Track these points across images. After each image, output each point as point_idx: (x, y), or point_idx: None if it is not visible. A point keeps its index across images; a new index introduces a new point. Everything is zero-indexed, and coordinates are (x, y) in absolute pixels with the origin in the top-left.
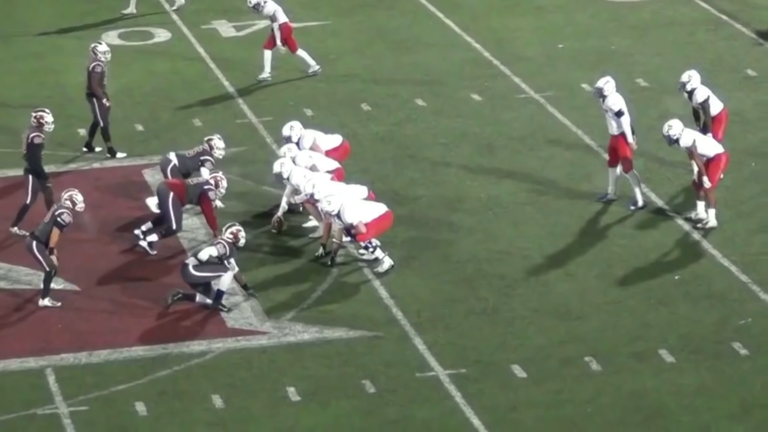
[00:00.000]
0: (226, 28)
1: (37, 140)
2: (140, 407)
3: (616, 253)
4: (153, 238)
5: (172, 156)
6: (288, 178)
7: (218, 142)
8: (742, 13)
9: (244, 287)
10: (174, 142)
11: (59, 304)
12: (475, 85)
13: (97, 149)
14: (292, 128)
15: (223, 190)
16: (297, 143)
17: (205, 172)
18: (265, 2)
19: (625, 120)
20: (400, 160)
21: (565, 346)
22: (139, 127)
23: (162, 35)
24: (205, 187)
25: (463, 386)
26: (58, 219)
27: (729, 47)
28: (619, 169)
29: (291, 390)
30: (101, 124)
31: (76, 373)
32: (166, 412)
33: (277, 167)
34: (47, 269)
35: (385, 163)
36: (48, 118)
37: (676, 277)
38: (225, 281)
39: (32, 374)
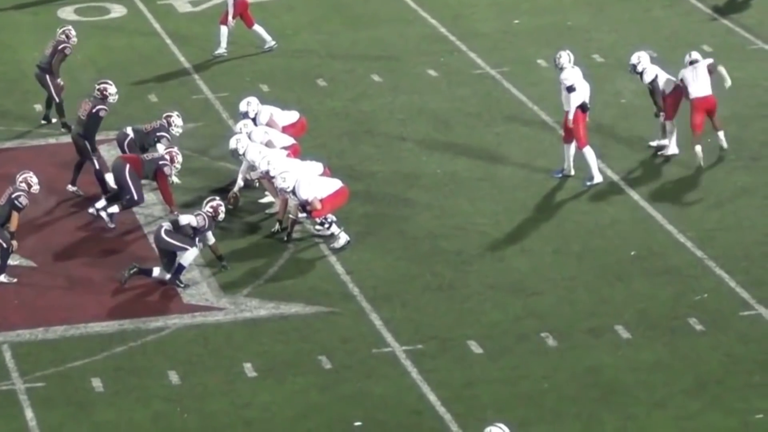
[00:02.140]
0: (182, 4)
1: (102, 113)
2: (97, 383)
3: (573, 229)
4: (114, 209)
5: (129, 130)
6: (243, 154)
7: (176, 120)
8: None
9: (219, 258)
10: (130, 118)
11: (15, 280)
12: (431, 61)
13: (53, 120)
14: (249, 104)
15: (178, 166)
16: (254, 119)
17: (160, 148)
18: None
19: (574, 97)
20: (357, 135)
21: (522, 321)
22: None
23: (118, 10)
24: (161, 162)
25: (420, 362)
26: (15, 202)
27: (685, 23)
28: (573, 145)
29: (247, 366)
30: (57, 100)
31: (32, 349)
32: (123, 388)
33: (233, 143)
34: (4, 246)
35: (342, 138)
36: (111, 89)
37: (632, 253)
38: (188, 256)
39: None
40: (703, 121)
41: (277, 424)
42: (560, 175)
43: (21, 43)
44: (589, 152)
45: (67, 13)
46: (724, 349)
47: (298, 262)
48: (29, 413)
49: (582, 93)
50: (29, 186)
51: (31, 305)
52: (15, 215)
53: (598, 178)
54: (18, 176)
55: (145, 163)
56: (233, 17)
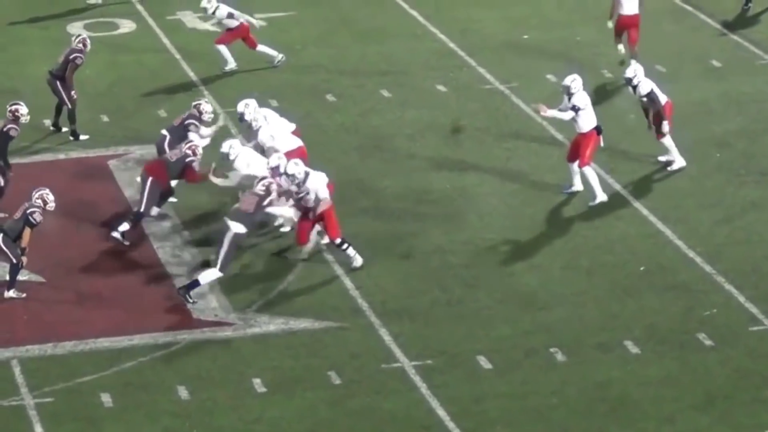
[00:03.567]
0: (190, 19)
1: (13, 132)
2: (106, 398)
3: (581, 244)
4: (124, 227)
5: (165, 132)
6: (233, 161)
7: (206, 106)
8: (707, 3)
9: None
10: (138, 132)
11: (24, 295)
12: (440, 76)
13: (63, 129)
14: (247, 105)
15: (200, 157)
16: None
17: (194, 137)
18: (216, 7)
19: (585, 117)
20: (366, 150)
21: (531, 336)
22: (105, 118)
23: (127, 26)
24: (187, 160)
25: (429, 377)
26: (30, 218)
27: (694, 38)
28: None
29: (256, 381)
30: (69, 106)
31: (41, 364)
32: (132, 404)
33: (225, 147)
34: (14, 261)
35: (351, 153)
36: (23, 110)
37: (641, 268)
38: (209, 275)
39: None
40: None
41: None
42: (569, 191)
43: (30, 58)
44: (590, 172)
45: (76, 28)
46: (733, 364)
47: (307, 278)
48: (38, 429)
49: (593, 116)
50: (45, 203)
51: (40, 320)
52: (28, 231)
53: (601, 197)
54: (34, 193)
55: (170, 165)
56: (230, 41)
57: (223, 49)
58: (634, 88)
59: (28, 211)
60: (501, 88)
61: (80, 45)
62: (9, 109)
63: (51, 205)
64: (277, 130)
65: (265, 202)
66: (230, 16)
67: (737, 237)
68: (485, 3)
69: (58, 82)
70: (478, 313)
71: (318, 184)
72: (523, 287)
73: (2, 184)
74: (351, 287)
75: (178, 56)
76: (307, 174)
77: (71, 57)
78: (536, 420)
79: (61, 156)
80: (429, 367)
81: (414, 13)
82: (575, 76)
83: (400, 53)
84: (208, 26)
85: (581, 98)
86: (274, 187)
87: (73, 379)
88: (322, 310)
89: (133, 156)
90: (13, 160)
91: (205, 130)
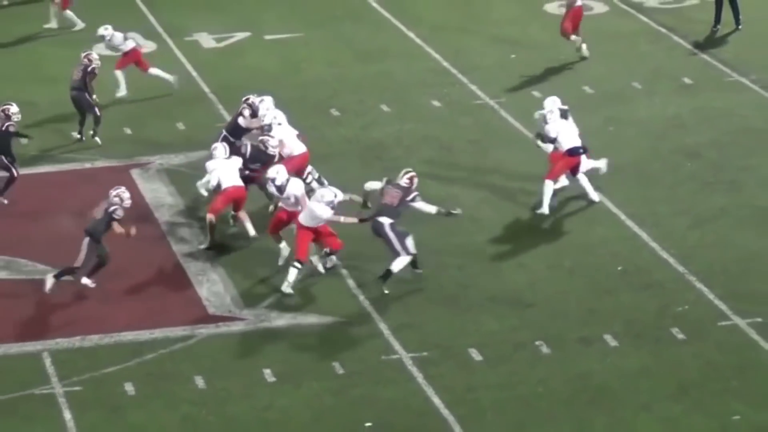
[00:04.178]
0: (206, 40)
1: (12, 128)
2: (129, 387)
3: (565, 247)
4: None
5: (245, 140)
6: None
7: (254, 100)
8: (680, 26)
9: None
10: (157, 144)
11: (94, 285)
12: (435, 92)
13: (91, 133)
14: (262, 101)
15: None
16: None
17: (241, 120)
18: (111, 35)
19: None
20: (367, 160)
21: (518, 331)
22: (127, 131)
23: (149, 46)
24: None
25: (425, 368)
26: (113, 215)
27: (668, 57)
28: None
29: (267, 372)
30: (98, 114)
31: (70, 356)
32: (153, 392)
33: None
34: (99, 262)
35: (353, 163)
36: (13, 109)
37: (619, 268)
38: (399, 263)
39: (30, 357)
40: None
41: (294, 425)
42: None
43: (62, 76)
44: (549, 186)
45: (101, 48)
46: (704, 357)
47: (314, 277)
48: (67, 415)
49: (569, 140)
50: (122, 200)
51: (69, 316)
52: (116, 224)
53: (545, 209)
54: (112, 192)
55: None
56: (123, 66)
57: (119, 74)
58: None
59: (110, 210)
60: (491, 104)
61: (86, 61)
62: (1, 109)
63: (128, 203)
64: (286, 133)
65: (410, 197)
66: (125, 39)
67: (707, 240)
68: (476, 26)
69: (84, 95)
70: (470, 309)
71: (298, 190)
72: (511, 286)
73: (16, 175)
74: (353, 286)
75: (194, 73)
76: (288, 180)
77: (88, 70)
78: (523, 408)
79: (87, 165)
80: (425, 359)
81: (411, 34)
82: (551, 107)
83: (399, 71)
84: (221, 46)
85: (554, 127)
86: (416, 180)
87: (99, 369)
88: (327, 307)
89: (153, 165)
90: (42, 169)
91: (253, 122)
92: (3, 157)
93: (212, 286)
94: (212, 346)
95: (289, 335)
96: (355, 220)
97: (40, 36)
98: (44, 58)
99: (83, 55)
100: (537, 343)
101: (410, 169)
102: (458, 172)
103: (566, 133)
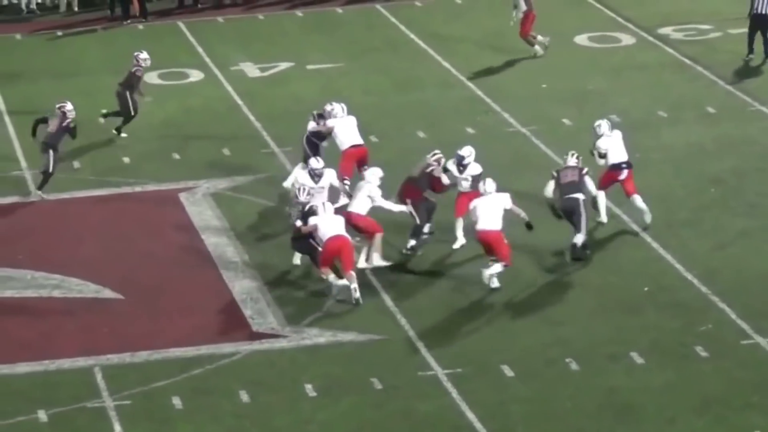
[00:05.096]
0: (251, 69)
1: (71, 125)
2: (176, 401)
3: (594, 268)
4: (413, 242)
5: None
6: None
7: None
8: (704, 57)
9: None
10: (205, 169)
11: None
12: (469, 120)
13: (123, 135)
14: (332, 105)
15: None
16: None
17: (311, 125)
18: None
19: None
20: None
21: (549, 348)
22: (176, 155)
23: (196, 75)
24: (429, 170)
25: (459, 384)
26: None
27: (692, 87)
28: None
29: (308, 387)
30: (133, 114)
31: (120, 371)
32: (199, 406)
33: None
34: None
35: (392, 188)
36: (68, 107)
37: (646, 289)
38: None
39: (82, 372)
40: None
41: None
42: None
43: (112, 104)
44: (601, 196)
45: (151, 77)
46: (726, 374)
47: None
48: (117, 428)
49: (615, 155)
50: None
51: (119, 333)
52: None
53: (603, 219)
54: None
55: (419, 180)
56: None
57: None
58: (464, 166)
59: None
60: (523, 131)
61: (135, 61)
62: (57, 107)
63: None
64: (340, 123)
65: (584, 171)
66: None
67: (729, 262)
68: (509, 57)
69: (127, 93)
70: (503, 327)
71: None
72: (543, 304)
73: (53, 171)
74: (391, 304)
75: (240, 102)
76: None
77: (133, 71)
78: (553, 422)
79: (138, 189)
80: (459, 374)
81: (446, 64)
82: (602, 123)
83: (434, 100)
84: (266, 75)
85: (603, 142)
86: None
87: (148, 384)
88: (366, 324)
89: (200, 189)
90: (94, 193)
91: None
92: (53, 152)
93: (256, 304)
94: (256, 362)
95: (329, 352)
96: (402, 207)
97: (91, 64)
98: (95, 86)
99: (135, 54)
100: (567, 359)
101: (573, 152)
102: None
103: (613, 149)
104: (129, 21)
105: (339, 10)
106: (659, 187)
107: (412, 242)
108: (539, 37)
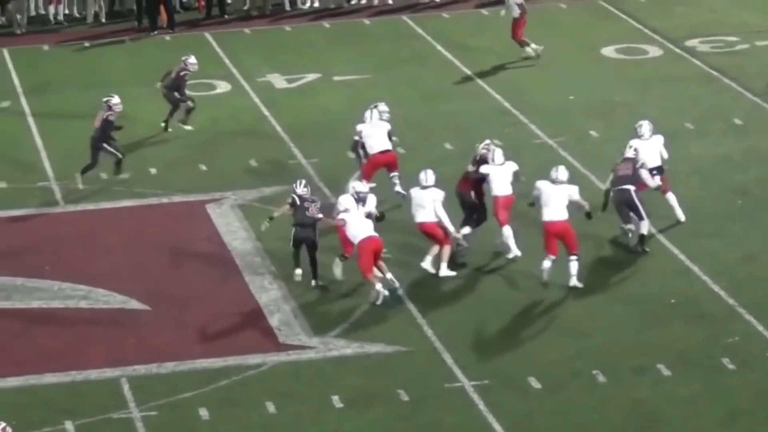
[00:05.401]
0: (278, 81)
1: (111, 117)
2: (203, 412)
3: (621, 279)
4: (466, 230)
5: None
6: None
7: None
8: (729, 69)
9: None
10: (233, 180)
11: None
12: (496, 132)
13: (187, 127)
14: (377, 106)
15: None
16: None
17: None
18: None
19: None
20: None
21: (575, 360)
22: (203, 167)
23: (223, 87)
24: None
25: (486, 395)
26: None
27: (719, 99)
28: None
29: (335, 398)
30: (187, 103)
31: (147, 382)
32: (226, 417)
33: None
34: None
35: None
36: (114, 101)
37: (672, 300)
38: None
39: (109, 383)
40: None
41: None
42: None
43: (140, 114)
44: (671, 197)
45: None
46: (753, 385)
47: (380, 307)
48: None
49: (647, 160)
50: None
51: (146, 344)
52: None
53: (681, 217)
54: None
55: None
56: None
57: None
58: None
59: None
60: (550, 143)
61: (183, 64)
62: (104, 100)
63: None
64: (368, 128)
65: (638, 164)
66: None
67: (756, 274)
68: (535, 69)
69: (171, 93)
70: (530, 339)
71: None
72: (569, 317)
73: (122, 156)
74: (418, 317)
75: (267, 113)
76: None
77: (180, 74)
78: None
79: (165, 200)
80: (486, 386)
81: (473, 76)
82: (643, 125)
83: (462, 111)
84: (293, 86)
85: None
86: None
87: (175, 395)
88: (393, 336)
89: (228, 200)
90: (122, 203)
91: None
92: (106, 145)
93: (283, 316)
94: (283, 373)
95: (356, 363)
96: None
97: (119, 75)
98: (122, 97)
99: (183, 59)
100: (593, 371)
101: (631, 144)
102: (518, 207)
103: (646, 153)
104: (156, 32)
105: (366, 21)
106: (686, 199)
107: (466, 229)
108: (533, 45)
